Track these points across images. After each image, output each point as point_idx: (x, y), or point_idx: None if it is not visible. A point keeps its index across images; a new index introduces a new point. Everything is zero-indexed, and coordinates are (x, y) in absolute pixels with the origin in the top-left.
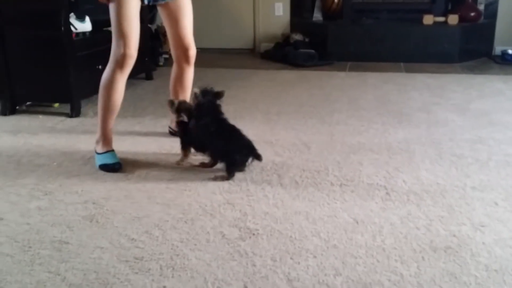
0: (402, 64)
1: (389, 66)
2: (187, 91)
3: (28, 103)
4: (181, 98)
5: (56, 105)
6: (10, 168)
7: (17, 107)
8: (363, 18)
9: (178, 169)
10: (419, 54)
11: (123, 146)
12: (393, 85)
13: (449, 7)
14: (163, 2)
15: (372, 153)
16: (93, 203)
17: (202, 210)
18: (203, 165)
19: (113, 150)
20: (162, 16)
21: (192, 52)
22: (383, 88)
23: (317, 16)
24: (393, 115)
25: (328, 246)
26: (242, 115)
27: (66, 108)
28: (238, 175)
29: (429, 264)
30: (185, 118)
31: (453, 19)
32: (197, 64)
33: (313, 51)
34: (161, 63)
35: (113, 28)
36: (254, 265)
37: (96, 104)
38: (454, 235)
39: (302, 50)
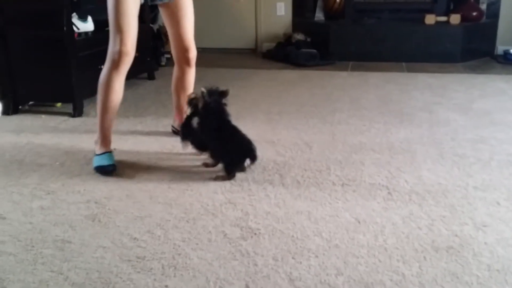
0: (404, 63)
1: (391, 66)
2: (188, 92)
3: (30, 102)
4: (182, 99)
5: (59, 104)
6: (13, 167)
7: (20, 107)
8: (365, 18)
9: (180, 169)
10: (421, 53)
11: (125, 145)
12: (394, 84)
13: (451, 7)
14: (160, 2)
15: (373, 153)
16: (95, 203)
17: (204, 209)
18: (205, 165)
19: (111, 152)
20: (163, 17)
21: (192, 54)
22: (384, 87)
23: (319, 16)
24: (394, 114)
25: (330, 245)
26: (244, 115)
27: (69, 107)
28: (239, 175)
29: (431, 264)
30: (187, 112)
31: (455, 18)
32: (199, 64)
33: (314, 50)
34: (163, 63)
35: (110, 25)
36: (255, 265)
37: None
38: (456, 235)
39: (304, 50)
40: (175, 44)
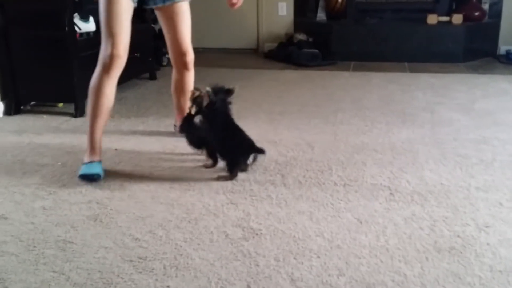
0: (406, 63)
1: (393, 66)
2: (187, 95)
3: (32, 103)
4: (182, 101)
5: (61, 105)
6: (15, 167)
7: (22, 107)
8: (367, 18)
9: (182, 169)
10: (423, 53)
11: (127, 146)
12: (397, 85)
13: (453, 7)
14: (154, 6)
15: (375, 153)
16: (97, 203)
17: (206, 210)
18: (205, 166)
19: (99, 161)
20: (159, 21)
21: (189, 57)
22: (387, 88)
23: (321, 15)
24: (397, 115)
25: (331, 246)
26: (245, 114)
27: (70, 108)
28: (241, 175)
29: (433, 264)
30: (192, 110)
31: (457, 18)
32: (201, 64)
33: (316, 51)
34: (164, 63)
35: (102, 28)
36: (257, 265)
37: None
38: (458, 236)
39: (305, 50)
40: (173, 48)
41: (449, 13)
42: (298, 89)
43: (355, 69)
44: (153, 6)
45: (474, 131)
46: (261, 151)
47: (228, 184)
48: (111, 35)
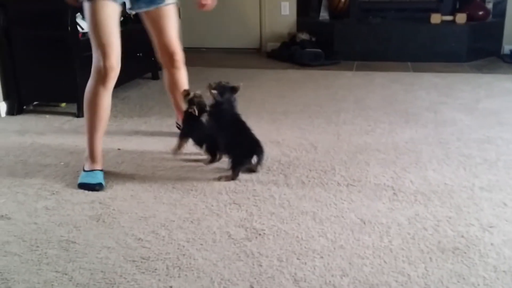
0: (409, 63)
1: (396, 66)
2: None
3: (35, 103)
4: (180, 99)
5: (63, 105)
6: (18, 168)
7: (24, 107)
8: (370, 17)
9: (184, 169)
10: (426, 53)
11: (129, 146)
12: (400, 84)
13: (457, 6)
14: (141, 11)
15: (379, 153)
16: (100, 203)
17: (208, 210)
18: (204, 162)
19: (101, 170)
20: (145, 24)
21: (179, 56)
22: (390, 87)
23: (324, 15)
24: (400, 114)
25: (335, 246)
26: (248, 114)
27: (73, 107)
28: (243, 175)
29: (436, 265)
30: (195, 111)
31: (461, 18)
32: (203, 64)
33: (319, 50)
34: None
35: (90, 39)
36: (260, 265)
37: None
38: (462, 236)
39: (308, 49)
40: (162, 51)
41: (452, 13)
42: (301, 89)
43: (358, 68)
44: (138, 11)
45: (478, 131)
46: (261, 151)
47: (231, 184)
48: (101, 45)
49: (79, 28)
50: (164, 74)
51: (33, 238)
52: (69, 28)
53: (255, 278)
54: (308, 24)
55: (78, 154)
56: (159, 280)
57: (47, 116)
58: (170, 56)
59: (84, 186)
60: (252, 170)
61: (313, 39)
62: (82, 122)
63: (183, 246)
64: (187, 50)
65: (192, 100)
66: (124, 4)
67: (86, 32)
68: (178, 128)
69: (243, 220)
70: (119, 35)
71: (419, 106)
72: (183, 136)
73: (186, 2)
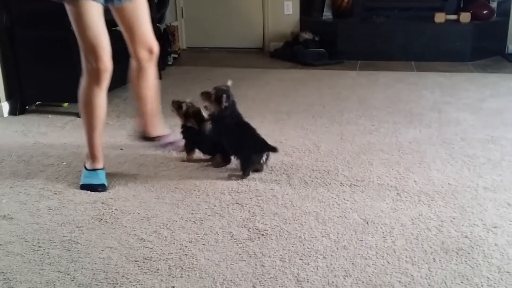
0: (413, 62)
1: (400, 65)
2: (154, 89)
3: (37, 103)
4: (149, 102)
5: (66, 104)
6: (20, 167)
7: (27, 107)
8: (374, 16)
9: (187, 169)
10: (430, 52)
11: (132, 146)
12: (404, 84)
13: (461, 5)
14: (113, 7)
15: (382, 153)
16: (102, 203)
17: (211, 210)
18: (215, 164)
19: (102, 169)
20: (119, 21)
21: (157, 49)
22: (393, 87)
23: (327, 14)
24: (404, 114)
25: (337, 247)
26: (252, 114)
27: (75, 107)
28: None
29: (440, 265)
30: (194, 125)
31: (465, 17)
32: (206, 63)
33: (323, 50)
34: (170, 63)
35: (78, 40)
36: (263, 266)
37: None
38: (466, 236)
39: (311, 49)
40: (139, 45)
41: (457, 12)
42: (304, 88)
43: (362, 68)
44: (118, 5)
45: (482, 131)
46: (274, 149)
47: (234, 184)
48: (92, 48)
49: None
50: (134, 73)
51: (36, 238)
52: (71, 28)
53: (257, 279)
54: (312, 23)
55: (80, 154)
56: (161, 280)
57: (50, 116)
58: (149, 50)
59: (86, 187)
60: (257, 169)
61: (317, 38)
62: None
63: (186, 246)
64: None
65: (187, 113)
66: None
67: None
68: (142, 138)
69: (245, 220)
70: (107, 33)
71: (423, 105)
72: (189, 150)
73: (188, 2)
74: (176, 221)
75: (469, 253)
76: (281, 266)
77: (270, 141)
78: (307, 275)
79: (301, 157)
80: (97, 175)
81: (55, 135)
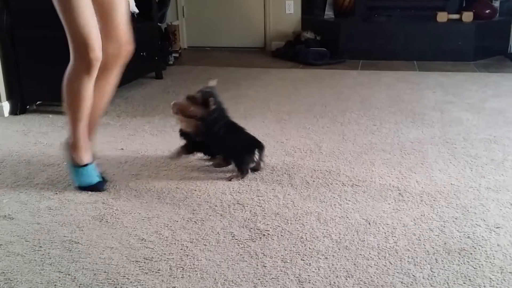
0: (415, 62)
1: (402, 65)
2: (106, 98)
3: (38, 102)
4: (94, 107)
5: None
6: (21, 167)
7: (28, 107)
8: (376, 16)
9: (188, 169)
10: (433, 52)
11: (133, 146)
12: (406, 83)
13: (464, 4)
14: None
15: (384, 153)
16: (103, 203)
17: (212, 210)
18: (217, 165)
19: (92, 162)
20: (94, 7)
21: (130, 48)
22: (395, 86)
23: (329, 13)
24: (406, 114)
25: (339, 247)
26: (253, 114)
27: None
28: (247, 175)
29: (442, 266)
30: (186, 126)
31: (467, 16)
32: (208, 63)
33: (324, 49)
34: (171, 62)
35: (66, 30)
36: (264, 266)
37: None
38: (469, 237)
39: (313, 48)
40: (110, 37)
41: (459, 11)
42: (305, 88)
43: (364, 67)
44: None
45: (485, 131)
46: (260, 146)
47: (235, 184)
48: (84, 38)
49: None
50: (100, 76)
51: (36, 238)
52: None
53: (259, 279)
54: (313, 22)
55: None
56: (163, 280)
57: (50, 115)
58: (119, 46)
59: (87, 189)
60: (255, 169)
61: (318, 38)
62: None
63: (187, 247)
64: (191, 49)
65: (190, 112)
66: None
67: None
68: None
69: (247, 220)
70: (97, 21)
71: (425, 105)
72: (188, 152)
73: (189, 1)
74: (177, 221)
75: (471, 253)
76: (283, 267)
77: (271, 141)
78: (308, 275)
79: (303, 157)
80: (87, 172)
81: (56, 135)
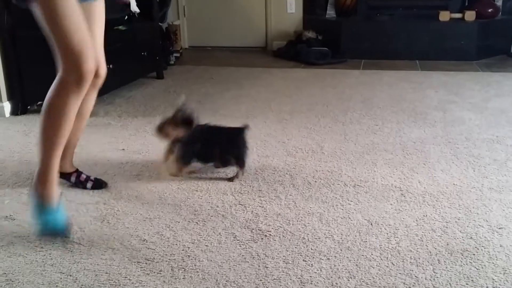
0: (417, 61)
1: (404, 64)
2: (84, 121)
3: (39, 103)
4: (74, 132)
5: None
6: (22, 168)
7: (28, 107)
8: (378, 15)
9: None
10: (435, 51)
11: (134, 146)
12: (408, 83)
13: (466, 3)
14: (85, 3)
15: (386, 153)
16: (104, 204)
17: (214, 211)
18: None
19: (59, 202)
20: None
21: (104, 71)
22: (397, 86)
23: (330, 13)
24: (408, 114)
25: (341, 248)
26: (254, 114)
27: None
28: (249, 175)
29: (445, 267)
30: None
31: (470, 15)
32: (209, 62)
33: (326, 49)
34: (172, 62)
35: (57, 42)
36: (266, 267)
37: (107, 104)
38: (471, 238)
39: (315, 48)
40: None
41: (461, 10)
42: (307, 88)
43: (366, 67)
44: (86, 1)
45: (487, 131)
46: (244, 128)
47: (237, 184)
48: (77, 49)
49: None
50: None
51: (38, 239)
52: None
53: (260, 280)
54: (315, 22)
55: (81, 154)
56: (164, 281)
57: None
58: (98, 65)
59: (49, 234)
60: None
61: (320, 37)
62: (88, 121)
63: (188, 248)
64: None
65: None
66: None
67: None
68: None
69: (248, 221)
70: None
71: (427, 105)
72: (186, 162)
73: (191, 1)
74: (179, 222)
75: (474, 254)
76: (285, 268)
77: (273, 141)
78: (310, 276)
79: (304, 157)
80: (60, 212)
81: None
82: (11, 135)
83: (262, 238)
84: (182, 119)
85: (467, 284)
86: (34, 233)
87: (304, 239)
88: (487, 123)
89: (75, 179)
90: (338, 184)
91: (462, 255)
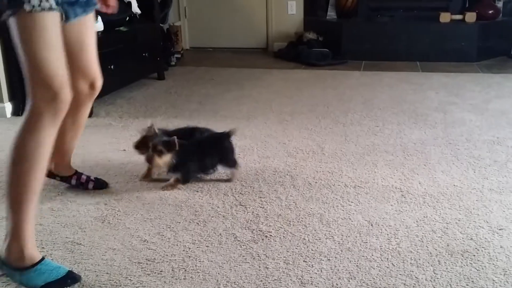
0: (418, 63)
1: (405, 65)
2: (81, 130)
3: None
4: (70, 139)
5: None
6: None
7: None
8: (378, 16)
9: None
10: (435, 52)
11: None
12: (408, 84)
13: (467, 5)
14: (75, 21)
15: (387, 154)
16: (105, 204)
17: (214, 211)
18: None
19: (43, 258)
20: (68, 41)
21: (99, 83)
22: (398, 87)
23: (331, 14)
24: (408, 115)
25: (342, 249)
26: (255, 115)
27: None
28: (250, 176)
29: (445, 268)
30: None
31: (470, 17)
32: (210, 63)
33: (327, 50)
34: (173, 63)
35: (28, 66)
36: (266, 268)
37: (108, 104)
38: (471, 239)
39: (315, 49)
40: (81, 74)
41: (462, 12)
42: (308, 89)
43: (366, 68)
44: (75, 19)
45: (488, 132)
46: (229, 133)
47: (237, 185)
48: (54, 74)
49: None
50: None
51: (39, 240)
52: None
53: (261, 281)
54: (315, 23)
55: (82, 154)
56: (165, 282)
57: None
58: (91, 84)
59: (55, 285)
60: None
61: (320, 38)
62: (87, 122)
63: (189, 248)
64: (193, 50)
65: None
66: (62, 13)
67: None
68: (53, 176)
69: (249, 222)
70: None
71: (428, 106)
72: (189, 178)
73: (192, 2)
74: (179, 222)
75: (474, 255)
76: (285, 268)
77: (274, 142)
78: (311, 277)
79: (305, 158)
80: (51, 267)
81: None
82: (12, 135)
83: (262, 239)
84: (164, 146)
85: (467, 285)
86: None
87: (304, 239)
88: (488, 124)
89: (76, 181)
90: (339, 185)
91: (463, 256)
